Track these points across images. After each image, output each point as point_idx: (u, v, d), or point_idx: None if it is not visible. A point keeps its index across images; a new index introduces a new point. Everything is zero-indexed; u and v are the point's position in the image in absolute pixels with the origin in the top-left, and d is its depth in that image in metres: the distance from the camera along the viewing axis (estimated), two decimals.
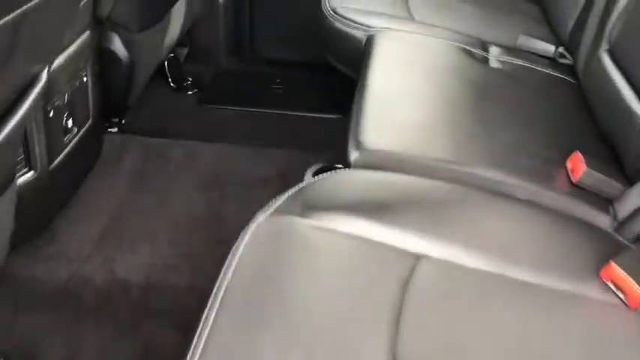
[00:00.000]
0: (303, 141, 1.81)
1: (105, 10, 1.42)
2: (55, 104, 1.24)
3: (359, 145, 1.00)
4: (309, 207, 0.86)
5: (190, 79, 2.13)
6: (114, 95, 1.57)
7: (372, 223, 0.84)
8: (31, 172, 1.20)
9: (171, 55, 2.06)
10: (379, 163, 0.97)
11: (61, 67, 1.23)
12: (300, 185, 0.91)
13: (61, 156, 1.30)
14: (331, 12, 1.49)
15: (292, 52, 2.19)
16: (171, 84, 2.10)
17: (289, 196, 0.89)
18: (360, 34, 1.42)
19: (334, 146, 1.83)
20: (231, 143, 1.69)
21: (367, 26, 1.42)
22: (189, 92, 2.09)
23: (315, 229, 0.83)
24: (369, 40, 1.39)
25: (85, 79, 1.36)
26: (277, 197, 0.89)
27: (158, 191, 1.45)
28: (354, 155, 0.99)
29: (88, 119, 1.42)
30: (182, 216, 1.37)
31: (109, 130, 1.71)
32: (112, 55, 1.50)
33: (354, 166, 0.98)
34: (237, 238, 1.38)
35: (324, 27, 1.53)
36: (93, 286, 1.21)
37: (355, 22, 1.43)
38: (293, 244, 0.82)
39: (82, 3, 1.19)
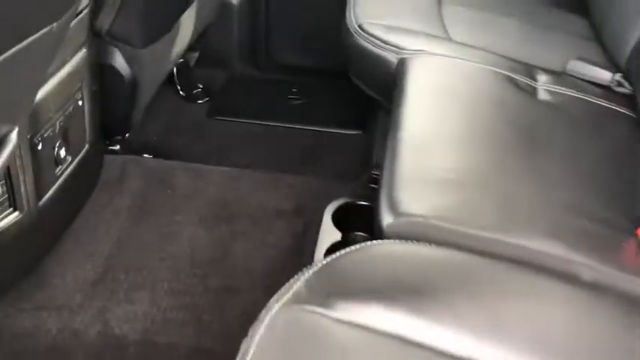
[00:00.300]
0: (321, 163, 1.66)
1: (104, 23, 1.26)
2: (45, 135, 1.10)
3: (394, 210, 0.84)
4: (334, 294, 0.71)
5: (201, 87, 1.98)
6: (115, 115, 1.42)
7: (413, 317, 0.70)
8: (16, 213, 1.06)
9: (181, 60, 1.91)
10: (418, 232, 0.82)
11: (52, 92, 1.08)
12: (321, 263, 0.76)
13: (52, 191, 1.16)
14: (357, 28, 1.32)
15: (310, 58, 2.02)
16: (180, 92, 1.95)
17: (309, 279, 0.74)
18: (390, 57, 1.25)
19: (354, 167, 1.71)
20: (242, 167, 1.54)
21: (399, 48, 1.26)
22: (200, 101, 1.94)
23: (343, 324, 0.69)
24: (402, 65, 1.22)
25: (80, 102, 1.21)
26: (294, 279, 0.74)
27: (160, 226, 1.30)
28: (387, 220, 0.84)
29: (84, 145, 1.27)
30: (186, 258, 1.23)
31: (111, 147, 1.56)
32: (113, 72, 1.34)
33: (387, 235, 0.83)
34: (245, 286, 1.25)
35: (348, 44, 1.36)
36: (84, 343, 1.07)
37: (385, 43, 1.27)
38: (316, 346, 0.67)
39: (73, 22, 1.04)
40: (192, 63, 2.01)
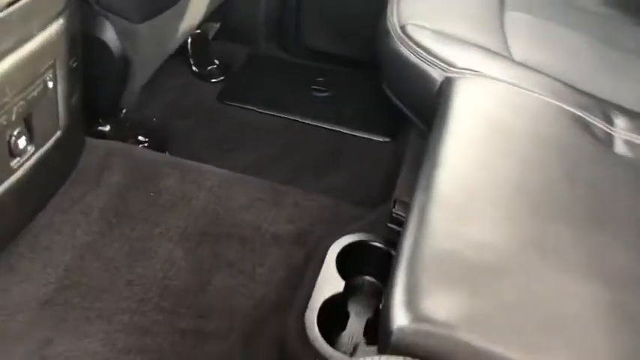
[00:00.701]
0: (337, 176, 1.43)
1: None
2: None
3: (410, 309, 0.62)
4: None
5: (217, 63, 1.75)
6: (101, 96, 1.21)
7: None
8: None
9: (198, 31, 1.68)
10: (438, 346, 0.60)
11: (6, 74, 0.87)
12: None
13: (5, 185, 0.96)
14: (399, 31, 1.07)
15: (343, 45, 1.77)
16: (193, 67, 1.73)
17: None
18: (435, 74, 1.01)
19: (375, 188, 1.48)
20: (244, 168, 1.32)
21: (447, 63, 1.01)
22: (213, 80, 1.72)
23: None
24: (448, 85, 0.98)
25: (50, 83, 0.99)
26: None
27: (134, 238, 1.10)
28: (399, 322, 0.61)
29: (55, 131, 1.06)
30: (156, 285, 1.03)
31: (100, 128, 1.36)
32: (102, 47, 1.13)
33: (396, 342, 0.60)
34: (220, 331, 1.03)
35: (385, 47, 1.12)
36: None
37: (431, 54, 1.02)
38: None
39: None
40: (210, 35, 1.78)
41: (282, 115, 1.60)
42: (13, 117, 0.92)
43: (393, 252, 0.90)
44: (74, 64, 1.07)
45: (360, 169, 1.46)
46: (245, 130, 1.55)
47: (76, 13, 1.02)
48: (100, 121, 1.33)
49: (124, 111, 1.38)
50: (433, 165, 0.84)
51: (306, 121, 1.59)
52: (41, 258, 1.05)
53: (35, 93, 0.95)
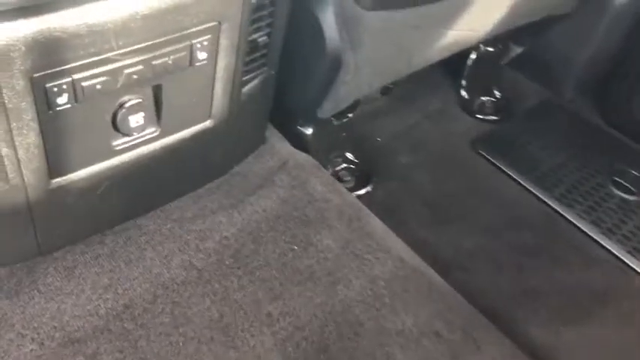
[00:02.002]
0: None
1: None
2: None
3: None
4: None
5: (497, 96, 1.31)
6: (299, 92, 0.89)
7: None
8: None
9: (486, 48, 1.26)
10: None
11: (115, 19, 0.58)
12: None
13: (103, 167, 0.70)
14: None
15: None
16: (461, 91, 1.31)
17: None
18: None
19: None
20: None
21: None
22: (480, 116, 1.29)
23: None
24: None
25: (201, 54, 0.69)
26: None
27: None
28: None
29: (202, 120, 0.77)
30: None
31: (299, 128, 1.04)
32: (313, 27, 0.79)
33: None
34: None
35: None
36: None
37: None
38: None
39: None
40: (503, 59, 1.33)
41: (548, 203, 1.10)
42: (126, 81, 0.63)
43: None
44: (259, 38, 0.75)
45: None
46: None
47: None
48: (300, 121, 1.02)
49: (331, 118, 1.04)
50: None
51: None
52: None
53: (170, 60, 0.65)
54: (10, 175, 0.63)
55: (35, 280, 0.73)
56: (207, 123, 0.77)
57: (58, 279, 0.73)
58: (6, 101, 0.57)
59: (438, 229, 1.00)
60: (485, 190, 1.10)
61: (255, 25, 0.73)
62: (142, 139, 0.72)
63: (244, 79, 0.78)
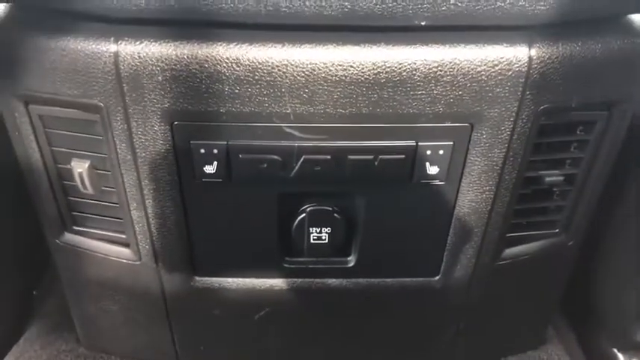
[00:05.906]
0: None
1: None
2: None
3: None
4: None
5: None
6: None
7: None
8: None
9: None
10: None
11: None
12: None
13: None
14: None
15: None
16: None
17: None
18: None
19: None
20: None
21: None
22: None
23: None
24: None
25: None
26: None
27: None
28: None
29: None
30: None
31: None
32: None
33: None
34: None
35: None
36: None
37: None
38: None
39: None
40: None
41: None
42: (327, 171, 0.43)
43: None
44: (551, 177, 0.46)
45: None
46: None
47: None
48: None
49: None
50: None
51: None
52: None
53: (385, 164, 0.43)
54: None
55: None
56: (434, 280, 0.51)
57: None
58: None
59: None
60: None
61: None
62: (330, 265, 0.50)
63: (511, 233, 0.49)
